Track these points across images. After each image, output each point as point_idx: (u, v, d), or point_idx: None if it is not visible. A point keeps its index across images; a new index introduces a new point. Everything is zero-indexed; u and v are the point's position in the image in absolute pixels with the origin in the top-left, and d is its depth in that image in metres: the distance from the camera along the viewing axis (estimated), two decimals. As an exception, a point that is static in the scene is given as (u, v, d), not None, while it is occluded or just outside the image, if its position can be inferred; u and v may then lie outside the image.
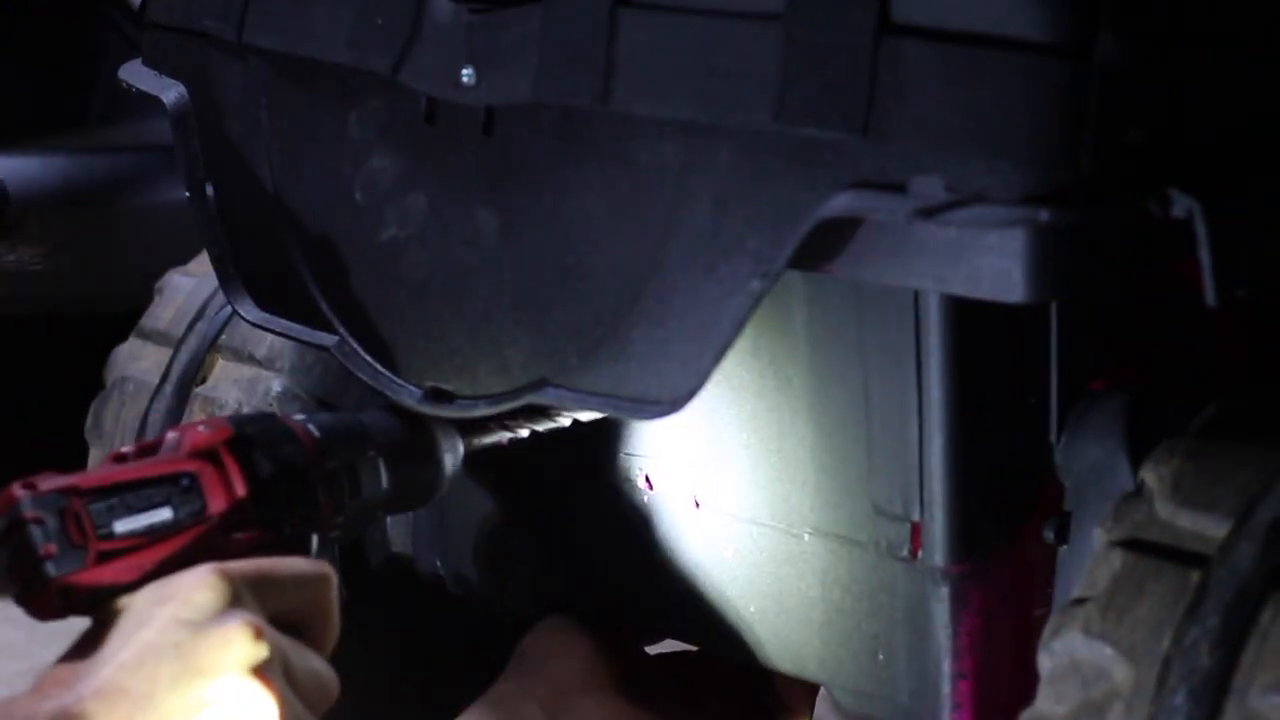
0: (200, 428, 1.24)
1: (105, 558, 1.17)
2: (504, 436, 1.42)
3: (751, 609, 1.44)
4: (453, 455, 1.38)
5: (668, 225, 1.22)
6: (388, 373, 1.39)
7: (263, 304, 1.48)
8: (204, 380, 1.78)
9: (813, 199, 1.14)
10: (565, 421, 1.42)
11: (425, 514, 1.65)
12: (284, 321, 1.46)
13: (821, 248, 1.17)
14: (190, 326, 1.81)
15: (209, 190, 1.50)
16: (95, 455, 1.88)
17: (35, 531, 1.16)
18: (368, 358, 1.40)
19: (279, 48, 1.42)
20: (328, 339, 1.42)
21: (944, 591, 1.33)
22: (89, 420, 1.88)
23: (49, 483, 1.19)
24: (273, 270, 1.47)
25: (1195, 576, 1.14)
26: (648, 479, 1.48)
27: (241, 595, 1.14)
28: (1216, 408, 1.25)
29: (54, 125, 2.97)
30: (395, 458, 1.34)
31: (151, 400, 1.80)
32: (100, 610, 1.17)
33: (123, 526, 1.18)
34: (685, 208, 1.21)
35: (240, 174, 1.48)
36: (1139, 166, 1.10)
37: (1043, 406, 1.33)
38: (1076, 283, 1.16)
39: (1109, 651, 1.15)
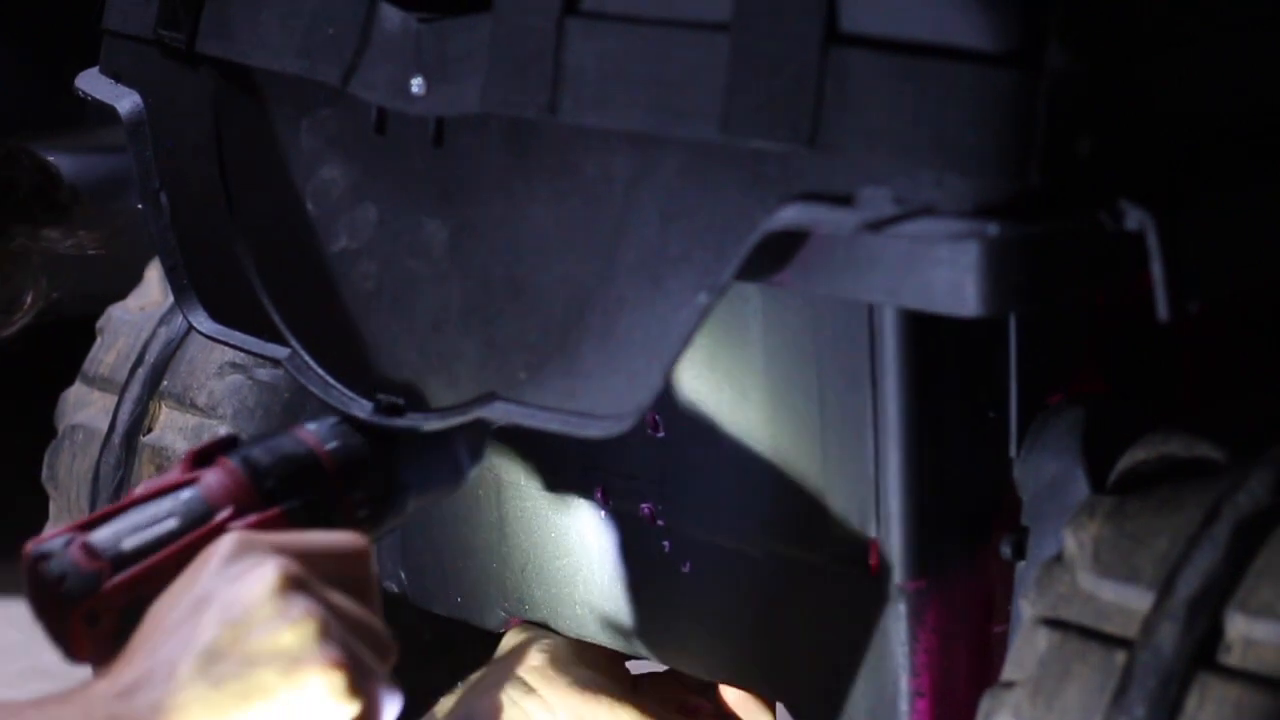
0: (193, 448, 1.24)
1: (118, 573, 1.16)
2: None
3: (708, 624, 1.43)
4: (471, 432, 1.34)
5: (615, 238, 1.20)
6: (339, 385, 1.37)
7: (217, 316, 1.46)
8: (150, 429, 1.77)
9: (759, 211, 1.12)
10: None
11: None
12: (237, 334, 1.45)
13: (771, 260, 1.16)
14: (132, 372, 1.80)
15: (163, 200, 1.48)
16: (54, 506, 1.87)
17: (45, 567, 1.16)
18: (319, 370, 1.38)
19: (230, 57, 1.40)
20: (280, 351, 1.41)
21: (901, 608, 1.31)
22: (44, 470, 1.87)
23: (55, 530, 1.19)
24: (226, 282, 1.45)
25: (1120, 658, 1.13)
26: (604, 493, 1.46)
27: (265, 546, 1.12)
28: (1137, 454, 1.23)
29: (54, 125, 2.96)
30: (405, 439, 1.31)
31: (101, 451, 1.79)
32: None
33: (131, 543, 1.17)
34: (633, 220, 1.19)
35: (194, 184, 1.46)
36: (1090, 177, 1.08)
37: (1002, 421, 1.32)
38: (1030, 295, 1.14)
39: None
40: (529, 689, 1.51)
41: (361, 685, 1.08)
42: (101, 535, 1.17)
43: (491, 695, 1.52)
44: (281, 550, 1.12)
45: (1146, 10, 1.10)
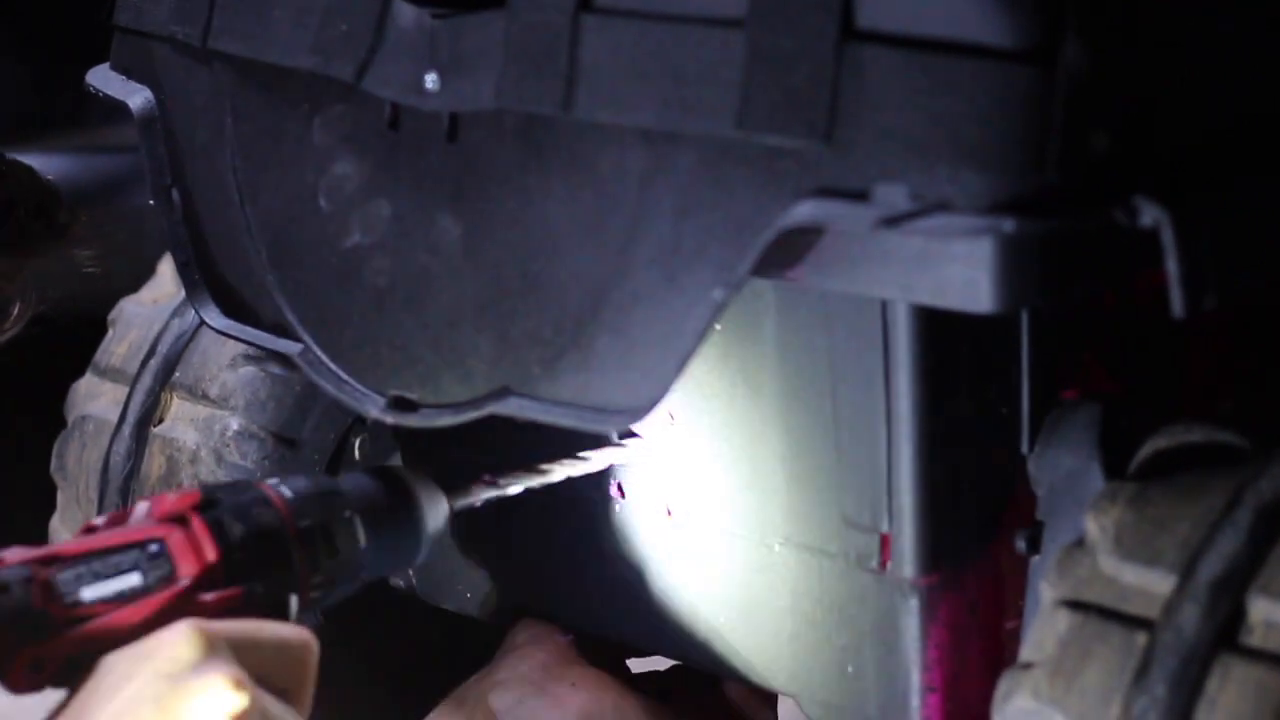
0: (169, 495, 1.21)
1: (73, 624, 1.14)
2: (490, 494, 1.37)
3: (721, 619, 1.43)
4: (435, 515, 1.33)
5: (630, 234, 1.20)
6: (351, 381, 1.37)
7: (229, 312, 1.47)
8: (161, 420, 1.77)
9: (774, 208, 1.12)
10: (557, 476, 1.39)
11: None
12: (249, 329, 1.45)
13: (786, 256, 1.16)
14: (144, 363, 1.81)
15: (174, 196, 1.48)
16: (62, 496, 1.88)
17: (0, 601, 1.14)
18: (332, 366, 1.38)
19: (243, 53, 1.40)
20: (292, 347, 1.41)
21: (913, 604, 1.31)
22: (53, 461, 1.87)
23: (15, 555, 1.16)
24: (238, 277, 1.45)
25: (1141, 639, 1.13)
26: (620, 488, 1.47)
27: (221, 651, 1.12)
28: (1159, 442, 1.24)
29: (54, 125, 2.96)
30: (373, 517, 1.28)
31: (111, 441, 1.79)
32: (78, 679, 1.14)
33: (90, 594, 1.15)
34: (647, 216, 1.19)
35: (205, 180, 1.47)
36: (1106, 174, 1.08)
37: (1014, 416, 1.32)
38: (1044, 292, 1.14)
39: (1060, 718, 1.14)
40: (539, 689, 1.51)
41: None
42: (65, 577, 1.15)
43: (497, 694, 1.53)
44: (231, 642, 1.12)
45: (1163, 6, 1.10)
